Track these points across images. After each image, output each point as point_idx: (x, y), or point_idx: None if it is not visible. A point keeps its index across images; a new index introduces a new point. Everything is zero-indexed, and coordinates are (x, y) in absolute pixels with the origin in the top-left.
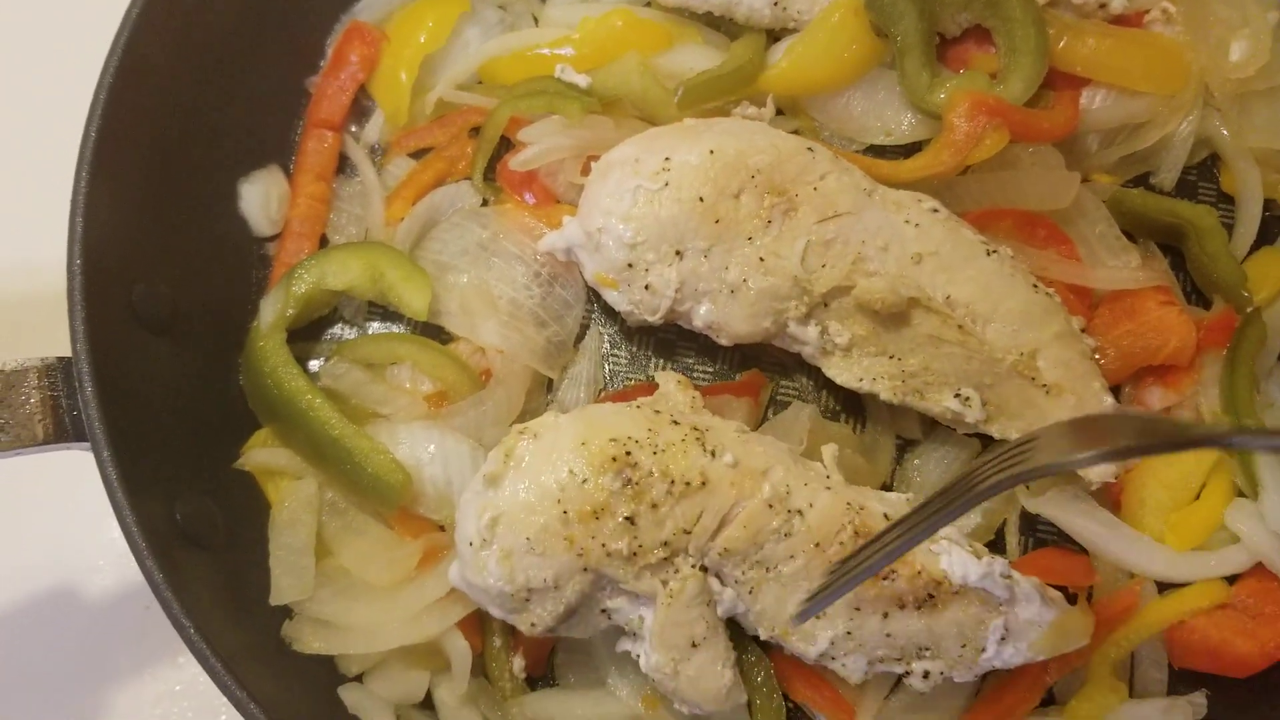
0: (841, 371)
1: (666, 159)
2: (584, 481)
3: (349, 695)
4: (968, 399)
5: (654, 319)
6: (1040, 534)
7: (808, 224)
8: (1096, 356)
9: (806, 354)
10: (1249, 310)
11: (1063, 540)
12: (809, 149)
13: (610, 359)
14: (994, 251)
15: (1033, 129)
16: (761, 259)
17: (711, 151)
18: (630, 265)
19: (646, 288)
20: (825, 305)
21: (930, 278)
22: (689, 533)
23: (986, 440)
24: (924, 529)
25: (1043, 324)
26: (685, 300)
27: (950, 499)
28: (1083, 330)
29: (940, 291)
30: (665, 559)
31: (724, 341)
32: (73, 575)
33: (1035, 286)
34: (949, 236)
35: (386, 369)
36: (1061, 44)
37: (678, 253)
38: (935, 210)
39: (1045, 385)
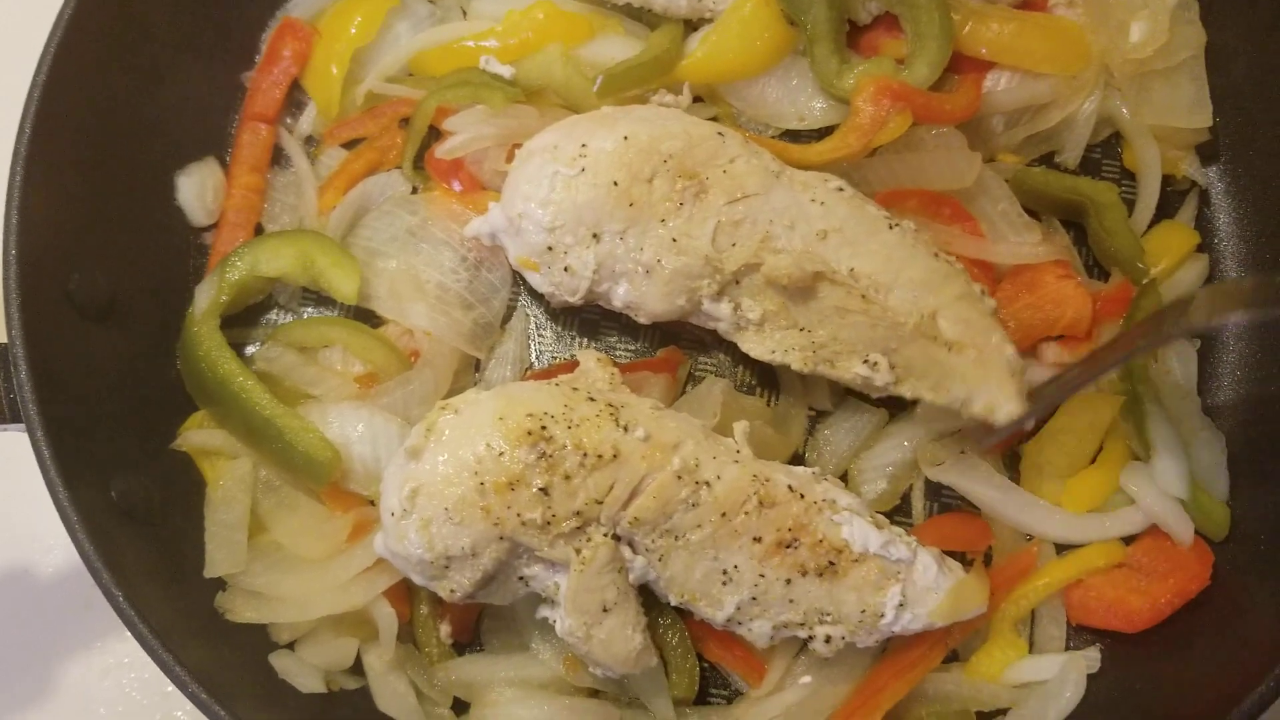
0: (755, 345)
1: (583, 145)
2: (500, 454)
3: (280, 662)
4: (876, 364)
5: (574, 299)
6: (945, 499)
7: (718, 205)
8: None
9: (721, 330)
10: (1145, 282)
11: (966, 506)
12: (719, 134)
13: (536, 339)
14: (896, 225)
15: (935, 111)
16: (674, 240)
17: (626, 138)
18: (550, 248)
19: (565, 269)
20: (737, 283)
21: (835, 252)
22: (600, 503)
23: (894, 410)
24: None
25: (943, 288)
26: (603, 281)
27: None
28: (983, 292)
29: (844, 265)
30: (578, 528)
31: (642, 320)
32: (24, 553)
33: (936, 255)
34: (853, 213)
35: (319, 352)
36: (966, 29)
37: (594, 235)
38: (840, 189)
39: (947, 343)
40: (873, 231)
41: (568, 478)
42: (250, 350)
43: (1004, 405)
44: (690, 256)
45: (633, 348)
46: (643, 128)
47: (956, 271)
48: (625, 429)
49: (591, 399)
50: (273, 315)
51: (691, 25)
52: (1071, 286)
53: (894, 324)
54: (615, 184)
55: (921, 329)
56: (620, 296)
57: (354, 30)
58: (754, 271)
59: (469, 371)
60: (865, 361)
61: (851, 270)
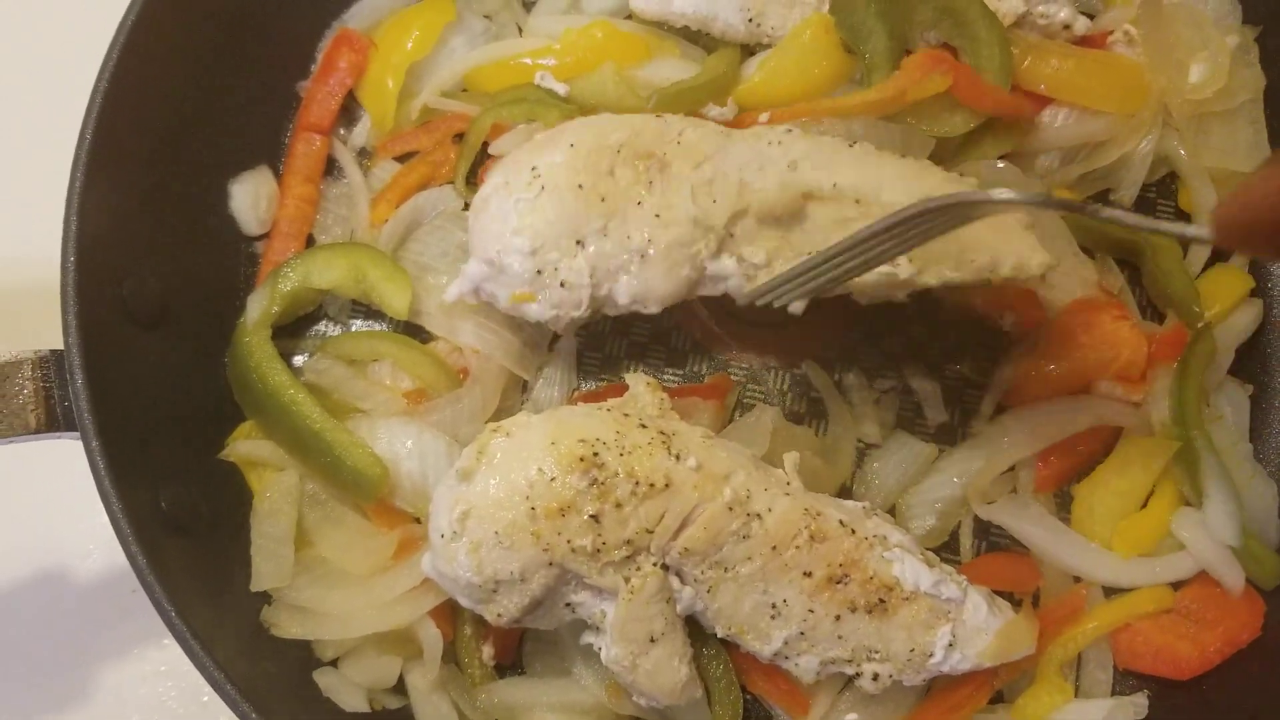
0: None
1: (533, 168)
2: (552, 480)
3: (324, 679)
4: (895, 260)
5: (579, 313)
6: (993, 538)
7: (685, 173)
8: (1053, 368)
9: (732, 288)
10: (1200, 325)
11: (1014, 545)
12: (658, 117)
13: (584, 360)
14: (854, 144)
15: (980, 91)
16: (657, 215)
17: (572, 145)
18: (539, 271)
19: (562, 285)
20: (730, 235)
21: (811, 175)
22: (651, 532)
23: (944, 445)
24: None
25: (925, 176)
26: (603, 283)
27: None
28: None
29: (825, 183)
30: (628, 556)
31: (653, 309)
32: (63, 559)
33: (903, 156)
34: (811, 143)
35: (368, 366)
36: (1025, 64)
37: (578, 242)
38: (789, 130)
39: None
40: (836, 151)
41: (619, 505)
42: (299, 361)
43: (1032, 257)
44: (679, 225)
45: (680, 372)
46: (584, 130)
47: (929, 164)
48: (677, 458)
49: (643, 426)
50: (321, 327)
51: (748, 50)
52: (1127, 328)
53: None
54: (580, 187)
55: None
56: (624, 293)
57: (410, 44)
58: (744, 217)
59: (516, 391)
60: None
61: (835, 185)
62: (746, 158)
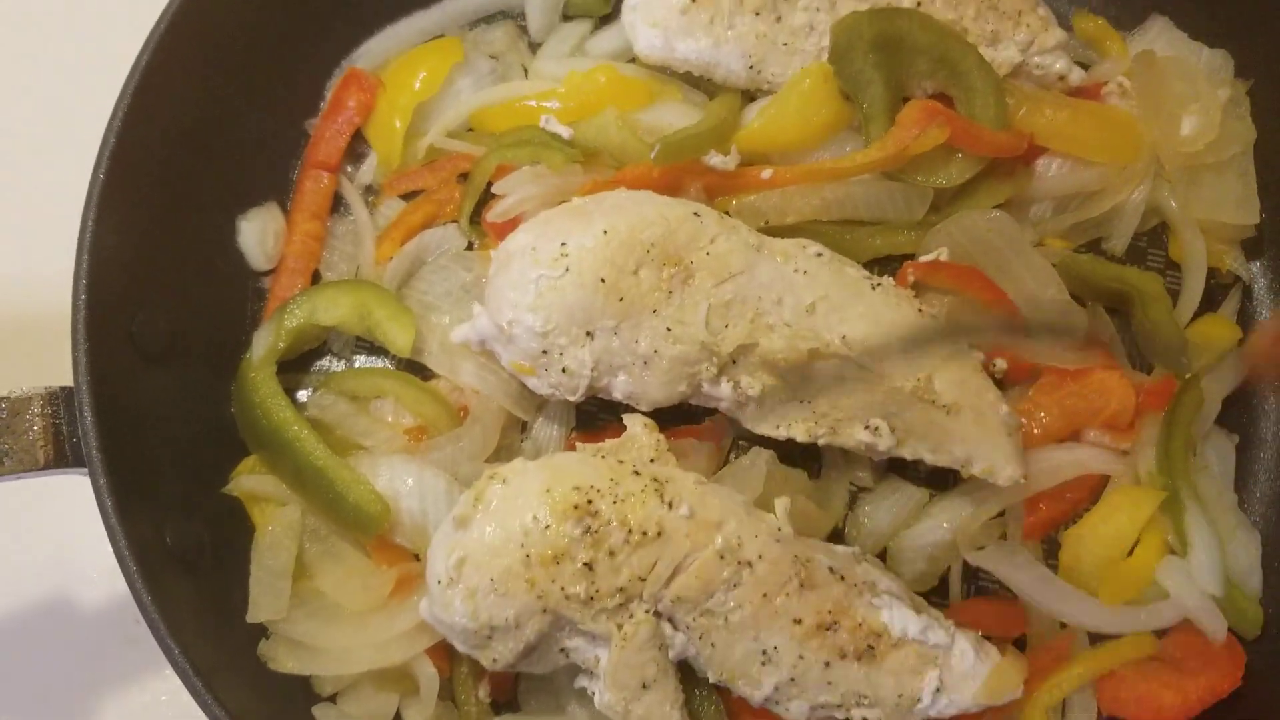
0: (758, 421)
1: (563, 244)
2: (547, 527)
3: (323, 714)
4: (877, 429)
5: (575, 398)
6: (982, 582)
7: (706, 288)
8: (1042, 415)
9: (723, 408)
10: (1187, 377)
11: (1003, 589)
12: (695, 214)
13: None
14: (877, 285)
15: (976, 137)
16: (668, 329)
17: (605, 232)
18: (545, 352)
19: (563, 370)
20: (734, 362)
21: (824, 321)
22: (644, 580)
23: (937, 489)
24: None
25: (931, 348)
26: (602, 376)
27: None
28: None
29: (835, 333)
30: (621, 604)
31: (644, 408)
32: (68, 587)
33: (920, 311)
34: (835, 278)
35: (370, 402)
36: (1020, 113)
37: (588, 333)
38: (819, 254)
39: (944, 406)
40: (857, 294)
41: (612, 554)
42: (302, 396)
43: (1003, 468)
44: (686, 344)
45: (677, 411)
46: (620, 218)
47: (942, 327)
48: (670, 505)
49: (637, 473)
50: (325, 362)
51: (749, 95)
52: (1116, 378)
53: (891, 388)
54: (602, 280)
55: (918, 393)
56: (620, 388)
57: (418, 85)
58: (750, 351)
59: (516, 429)
60: (867, 427)
61: (843, 338)
62: (769, 281)
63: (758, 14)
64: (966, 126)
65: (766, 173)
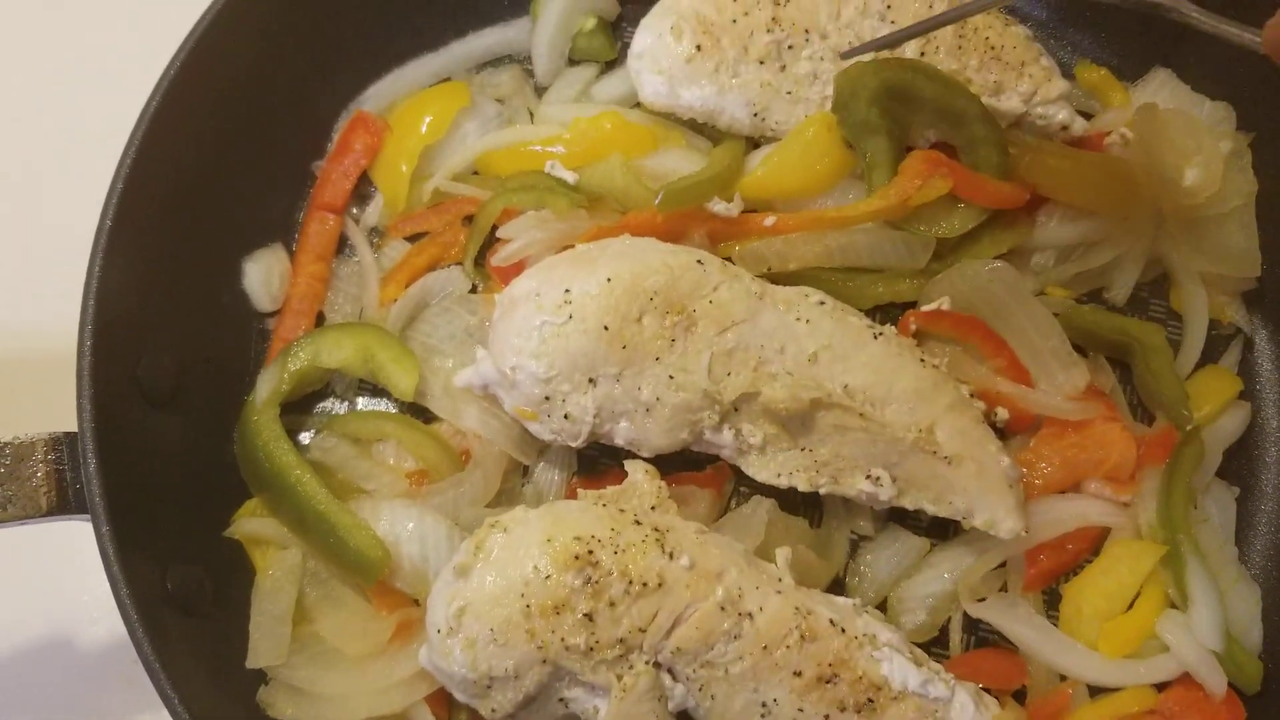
0: (760, 469)
1: (567, 291)
2: (547, 578)
3: None
4: (879, 479)
5: (576, 444)
6: (982, 633)
7: (708, 336)
8: (1044, 466)
9: (725, 455)
10: (1189, 429)
11: (1003, 642)
12: (699, 261)
13: None
14: (880, 334)
15: (979, 188)
16: (671, 377)
17: (609, 279)
18: (547, 398)
19: (565, 417)
20: (736, 410)
21: (827, 370)
22: (644, 631)
23: (937, 539)
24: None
25: (935, 397)
26: (604, 423)
27: None
28: (971, 395)
29: (838, 382)
30: (620, 655)
31: (645, 455)
32: (67, 625)
33: (922, 361)
34: (837, 327)
35: (372, 445)
36: (1023, 163)
37: (591, 380)
38: (821, 302)
39: (946, 457)
40: (859, 344)
41: (612, 604)
42: (305, 438)
43: (1004, 521)
44: (689, 392)
45: (678, 457)
46: (623, 265)
47: (943, 377)
48: (670, 556)
49: (638, 522)
50: (328, 404)
51: (753, 142)
52: (1117, 430)
53: (893, 438)
54: (606, 328)
55: (920, 444)
56: (622, 435)
57: (424, 128)
58: (752, 400)
59: (517, 474)
60: (868, 477)
61: (845, 387)
62: (771, 329)
63: (762, 62)
64: (969, 177)
65: (770, 220)
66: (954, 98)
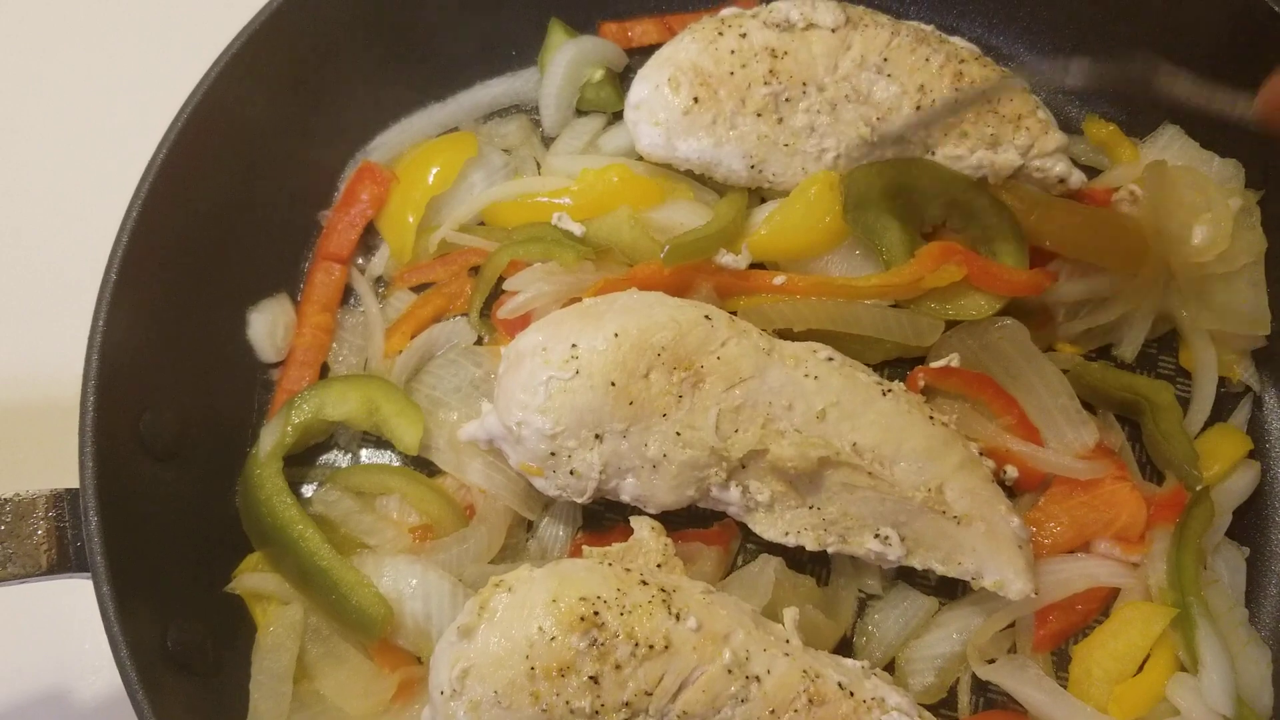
0: (767, 527)
1: (573, 345)
2: (552, 639)
3: None
4: (887, 538)
5: (582, 500)
6: (990, 694)
7: (716, 393)
8: (1053, 525)
9: (732, 512)
10: (1198, 489)
11: (1011, 703)
12: (706, 317)
13: None
14: (889, 391)
15: (994, 277)
16: (678, 433)
17: (616, 334)
18: (553, 454)
19: (571, 473)
20: (743, 467)
21: (835, 428)
22: (650, 694)
23: (946, 598)
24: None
25: (944, 456)
26: (610, 479)
27: None
28: (980, 453)
29: (846, 440)
30: (626, 718)
31: (651, 511)
32: (67, 676)
33: (931, 418)
34: (846, 384)
35: (376, 499)
36: (1031, 219)
37: (597, 436)
38: (830, 359)
39: (955, 517)
40: (868, 401)
41: (618, 667)
42: (307, 491)
43: (1014, 582)
44: (696, 449)
45: (684, 514)
46: (630, 320)
47: (953, 436)
48: (677, 617)
49: (644, 582)
50: (331, 456)
51: (758, 195)
52: (1127, 490)
53: (902, 497)
54: (613, 384)
55: (929, 503)
56: (628, 491)
57: (431, 179)
58: (760, 457)
59: (521, 529)
60: (877, 536)
61: (854, 445)
62: (779, 386)
63: (759, 115)
64: (985, 266)
65: (780, 279)
66: (961, 191)
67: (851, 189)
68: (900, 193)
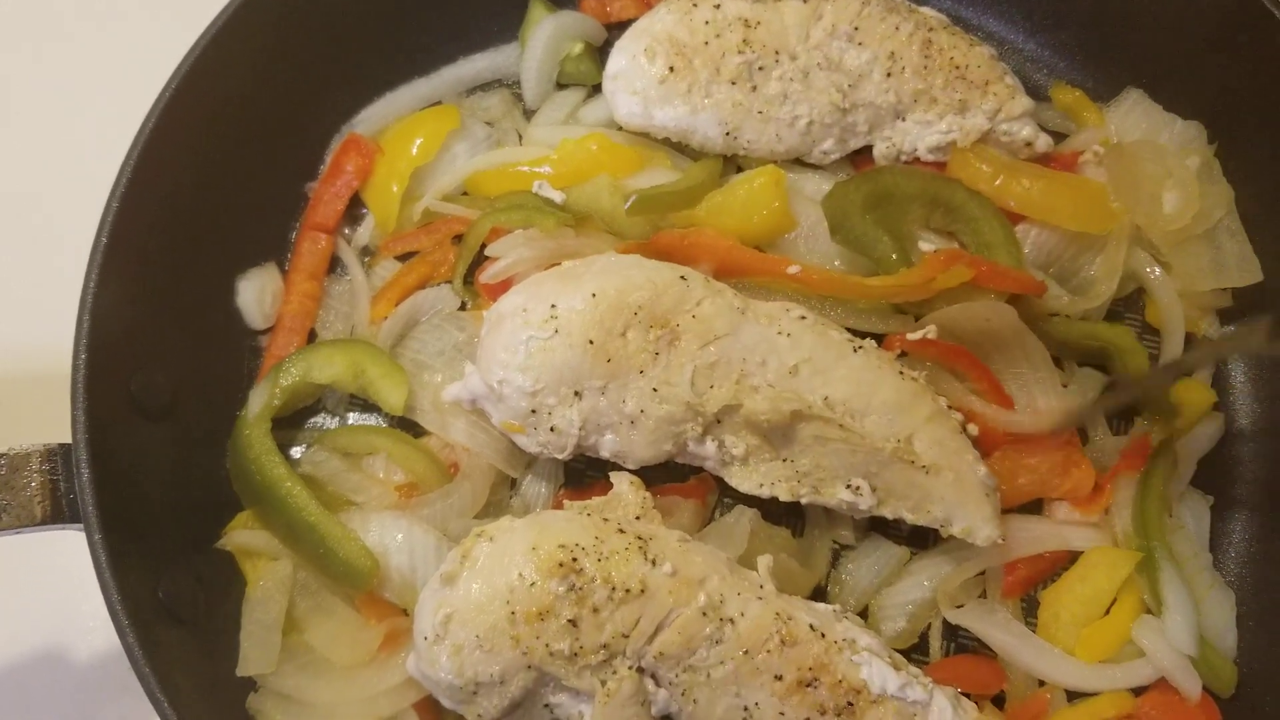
0: (743, 480)
1: (553, 306)
2: (532, 585)
3: None
4: (859, 489)
5: (563, 456)
6: (961, 639)
7: (691, 350)
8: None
9: (709, 466)
10: (1162, 440)
11: (982, 648)
12: (682, 278)
13: None
14: (860, 348)
15: (1002, 278)
16: (655, 389)
17: (594, 295)
18: (534, 411)
19: (551, 429)
20: (719, 422)
21: (807, 383)
22: (627, 636)
23: (917, 548)
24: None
25: (913, 408)
26: (590, 435)
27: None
28: (949, 406)
29: (818, 394)
30: (604, 660)
31: (630, 466)
32: (63, 633)
33: (901, 373)
34: (818, 340)
35: (362, 459)
36: (997, 182)
37: (576, 393)
38: (803, 317)
39: (924, 466)
40: (840, 357)
41: (596, 610)
42: (296, 452)
43: (981, 528)
44: (672, 404)
45: (663, 469)
46: (608, 281)
47: (922, 389)
48: (653, 563)
49: (621, 531)
50: (319, 419)
51: (735, 164)
52: (1074, 453)
53: (872, 449)
54: (591, 342)
55: (899, 454)
56: (607, 447)
57: (415, 150)
58: (734, 412)
59: (505, 486)
60: (848, 486)
61: (826, 399)
62: (753, 343)
63: (734, 83)
64: (990, 267)
65: (794, 268)
66: (938, 188)
67: (833, 206)
68: (880, 202)
